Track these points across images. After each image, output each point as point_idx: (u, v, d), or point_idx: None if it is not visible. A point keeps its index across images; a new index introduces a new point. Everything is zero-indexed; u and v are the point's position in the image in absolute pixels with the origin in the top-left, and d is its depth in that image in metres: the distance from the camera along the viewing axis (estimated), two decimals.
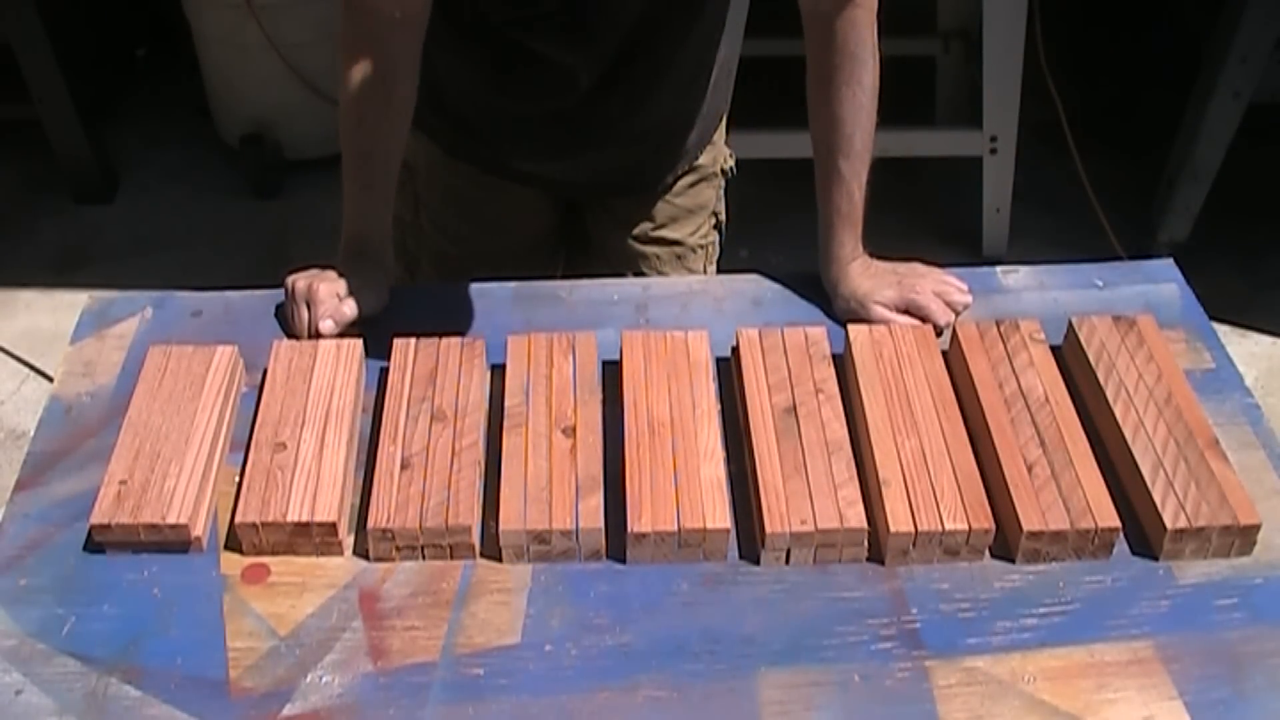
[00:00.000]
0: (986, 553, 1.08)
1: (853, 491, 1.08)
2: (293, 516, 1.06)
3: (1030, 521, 1.06)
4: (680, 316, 1.32)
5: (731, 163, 1.57)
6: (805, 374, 1.19)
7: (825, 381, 1.18)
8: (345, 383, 1.18)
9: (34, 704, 0.96)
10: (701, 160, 1.51)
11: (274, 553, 1.07)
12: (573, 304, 1.34)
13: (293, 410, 1.15)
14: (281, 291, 1.30)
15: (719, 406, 1.20)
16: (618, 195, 1.52)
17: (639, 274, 1.53)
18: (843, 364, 1.22)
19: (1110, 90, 3.16)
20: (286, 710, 0.96)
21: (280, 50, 2.81)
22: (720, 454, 1.12)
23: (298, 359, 1.20)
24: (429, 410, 1.15)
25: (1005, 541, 1.09)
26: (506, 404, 1.16)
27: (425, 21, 1.21)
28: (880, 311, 1.28)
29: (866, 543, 1.07)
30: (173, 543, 1.07)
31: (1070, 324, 1.25)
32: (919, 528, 1.05)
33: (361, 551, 1.08)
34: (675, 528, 1.05)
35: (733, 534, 1.08)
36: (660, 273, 1.54)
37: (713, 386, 1.19)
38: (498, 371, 1.22)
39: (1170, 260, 1.41)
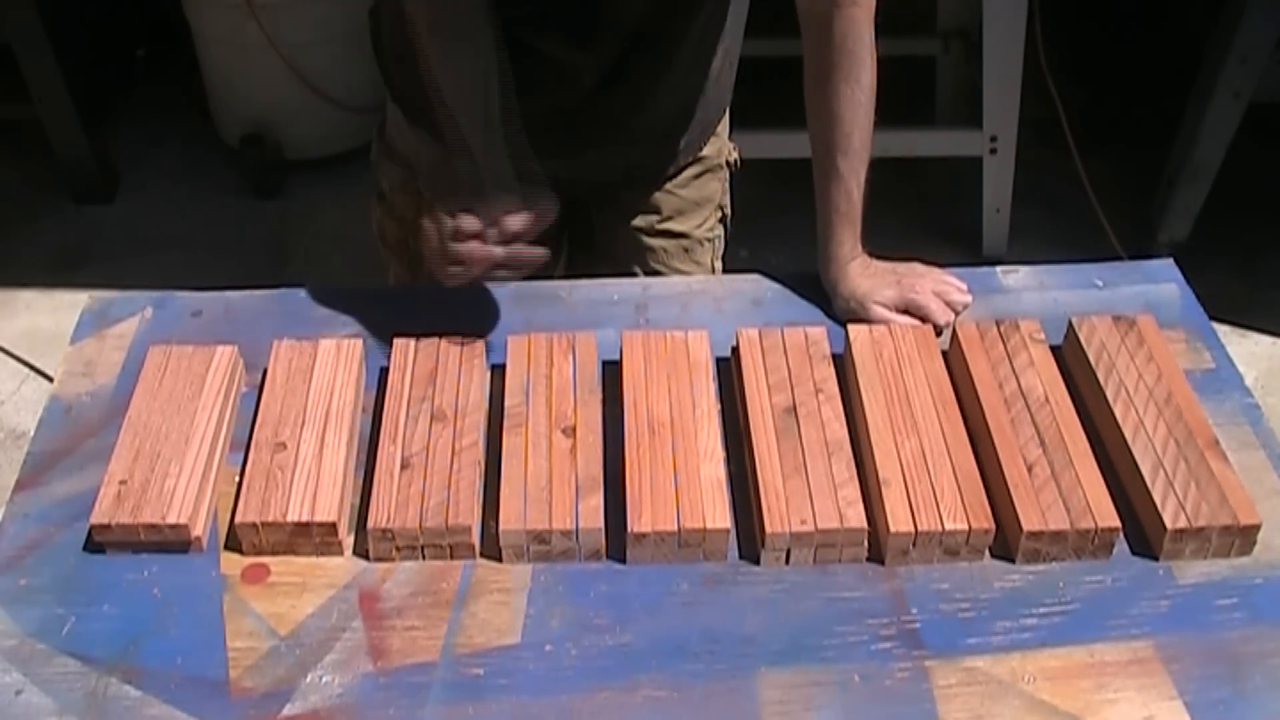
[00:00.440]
0: (986, 553, 1.08)
1: (853, 491, 1.08)
2: (293, 516, 1.06)
3: (1030, 521, 1.06)
4: (680, 316, 1.32)
5: (736, 155, 1.57)
6: (805, 374, 1.19)
7: (825, 381, 1.18)
8: (345, 383, 1.18)
9: (34, 704, 0.96)
10: (706, 152, 1.51)
11: (274, 553, 1.07)
12: (573, 304, 1.34)
13: (293, 410, 1.15)
14: (280, 292, 1.30)
15: (719, 406, 1.20)
16: (621, 190, 1.52)
17: (645, 268, 1.53)
18: (843, 364, 1.22)
19: (1110, 90, 3.16)
20: (286, 710, 0.96)
21: (280, 50, 2.81)
22: (720, 454, 1.12)
23: (298, 359, 1.20)
24: (429, 410, 1.15)
25: (1005, 541, 1.09)
26: (506, 404, 1.16)
27: None
28: (880, 311, 1.28)
29: (866, 543, 1.07)
30: (173, 543, 1.07)
31: (1070, 324, 1.25)
32: (919, 528, 1.05)
33: (361, 551, 1.08)
34: (675, 528, 1.05)
35: (733, 534, 1.08)
36: (667, 265, 1.54)
37: (713, 386, 1.19)
38: (498, 371, 1.22)
39: (1170, 260, 1.41)
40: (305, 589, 1.05)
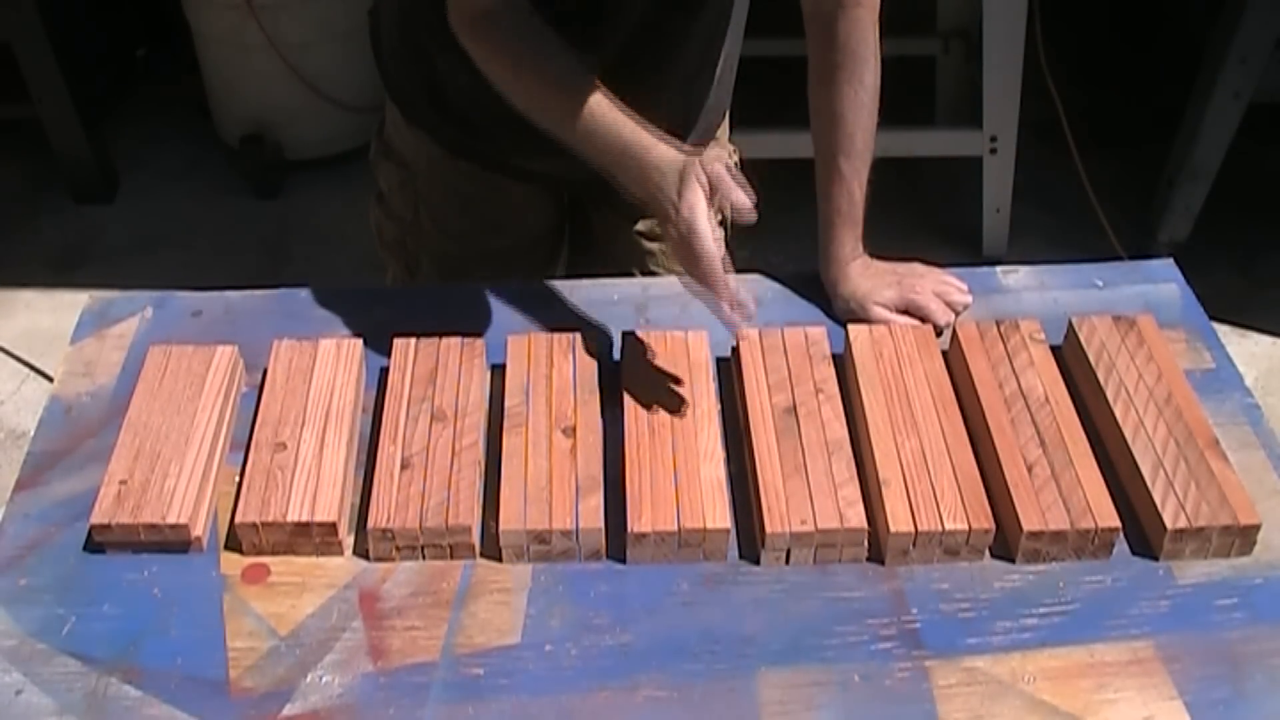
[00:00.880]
0: (986, 553, 1.08)
1: (853, 491, 1.08)
2: (293, 516, 1.06)
3: (1030, 521, 1.06)
4: (680, 316, 1.32)
5: (736, 159, 1.57)
6: (805, 374, 1.19)
7: (825, 381, 1.18)
8: (345, 383, 1.18)
9: (34, 704, 0.96)
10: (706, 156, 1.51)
11: (274, 553, 1.07)
12: (573, 304, 1.34)
13: (293, 410, 1.15)
14: (280, 292, 1.30)
15: (719, 406, 1.20)
16: (621, 192, 1.52)
17: (644, 270, 1.53)
18: (843, 364, 1.22)
19: (1110, 90, 3.15)
20: (286, 710, 0.96)
21: (280, 50, 2.81)
22: (720, 454, 1.12)
23: (298, 359, 1.20)
24: (429, 410, 1.15)
25: (1005, 541, 1.09)
26: (506, 404, 1.16)
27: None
28: (880, 312, 1.28)
29: (866, 543, 1.07)
30: (173, 543, 1.07)
31: (1070, 324, 1.25)
32: (919, 528, 1.05)
33: (361, 551, 1.08)
34: (675, 528, 1.05)
35: (733, 534, 1.08)
36: (668, 269, 1.54)
37: (713, 386, 1.19)
38: (498, 371, 1.22)
39: (1170, 260, 1.41)
40: (305, 589, 1.05)
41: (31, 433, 1.20)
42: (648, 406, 1.15)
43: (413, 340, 1.22)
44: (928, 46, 2.95)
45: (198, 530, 1.08)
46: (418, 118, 1.40)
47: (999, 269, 1.39)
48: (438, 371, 1.19)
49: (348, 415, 1.15)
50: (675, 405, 1.15)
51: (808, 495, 1.07)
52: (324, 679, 0.98)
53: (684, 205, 1.11)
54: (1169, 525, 1.06)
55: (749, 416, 1.15)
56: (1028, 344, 1.22)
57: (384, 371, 1.21)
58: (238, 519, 1.06)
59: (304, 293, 1.34)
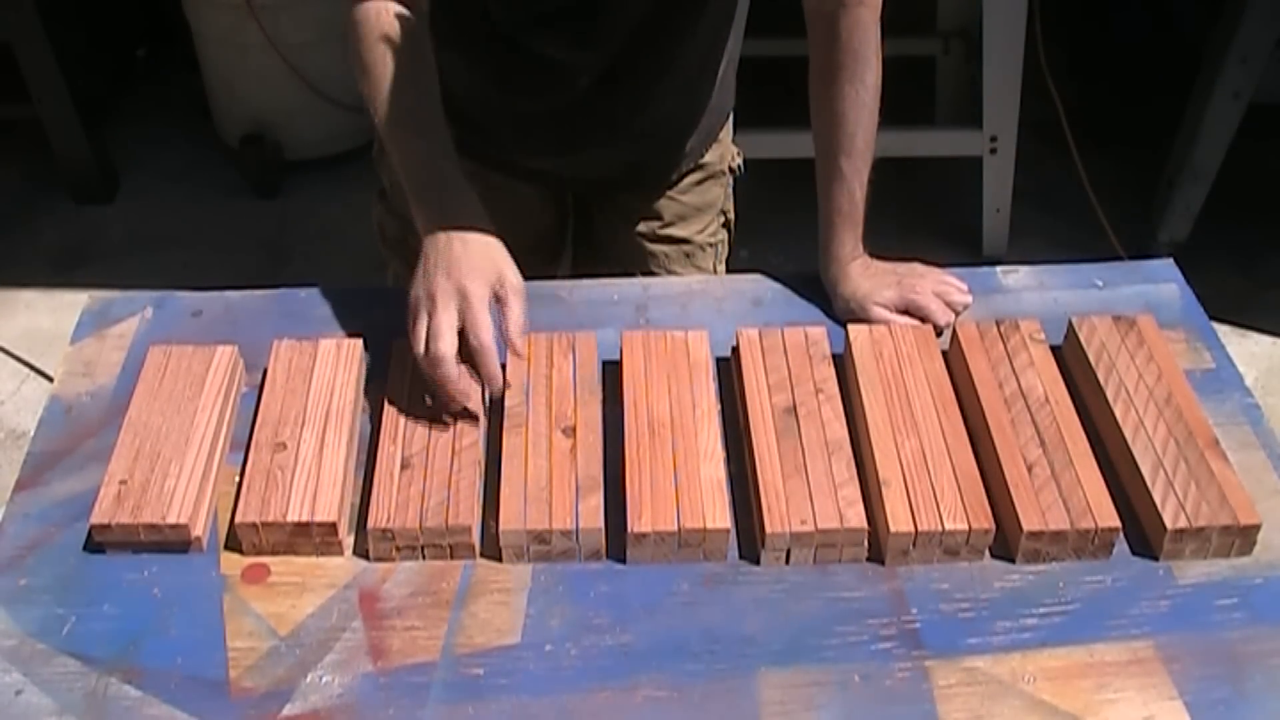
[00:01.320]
0: (986, 553, 1.08)
1: (853, 491, 1.08)
2: (293, 516, 1.06)
3: (1030, 521, 1.06)
4: (680, 316, 1.32)
5: (739, 161, 1.57)
6: (805, 374, 1.19)
7: (825, 381, 1.18)
8: (345, 383, 1.18)
9: (34, 704, 0.96)
10: (708, 158, 1.51)
11: (274, 553, 1.07)
12: (573, 304, 1.34)
13: (293, 410, 1.15)
14: (280, 292, 1.30)
15: (719, 406, 1.20)
16: (623, 192, 1.52)
17: (648, 272, 1.53)
18: (843, 364, 1.22)
19: (1110, 90, 3.16)
20: (286, 710, 0.96)
21: (280, 50, 2.81)
22: (720, 454, 1.12)
23: (298, 359, 1.20)
24: (429, 410, 1.15)
25: (1005, 541, 1.08)
26: (506, 404, 1.16)
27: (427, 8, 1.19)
28: (880, 312, 1.28)
29: (866, 543, 1.07)
30: (173, 543, 1.07)
31: (1070, 324, 1.25)
32: (919, 528, 1.05)
33: (361, 551, 1.08)
34: (675, 528, 1.05)
35: (733, 534, 1.08)
36: (670, 271, 1.54)
37: (713, 386, 1.19)
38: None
39: (1170, 260, 1.41)
40: (305, 589, 1.05)
41: (31, 433, 1.20)
42: (648, 406, 1.15)
43: None
44: (928, 46, 2.95)
45: (198, 530, 1.08)
46: None
47: (999, 269, 1.39)
48: None
49: (348, 415, 1.15)
50: (675, 405, 1.15)
51: (808, 495, 1.07)
52: (324, 679, 0.98)
53: (427, 321, 1.11)
54: (1169, 525, 1.06)
55: (749, 416, 1.15)
56: (1028, 344, 1.22)
57: (384, 371, 1.21)
58: (238, 519, 1.06)
59: (304, 293, 1.34)
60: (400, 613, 1.03)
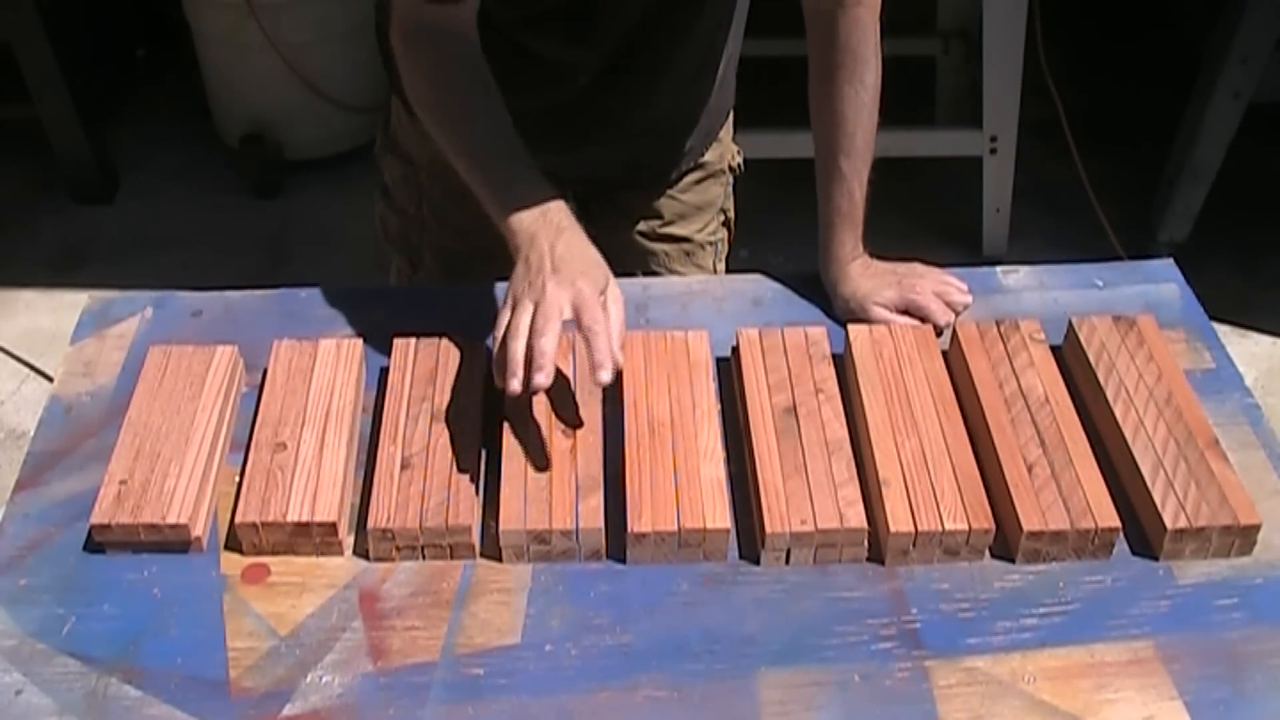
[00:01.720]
0: (986, 553, 1.08)
1: (853, 491, 1.08)
2: (293, 516, 1.06)
3: (1030, 521, 1.06)
4: (680, 316, 1.32)
5: (739, 160, 1.57)
6: (805, 374, 1.19)
7: (825, 381, 1.18)
8: (345, 383, 1.18)
9: (34, 704, 0.96)
10: (708, 157, 1.51)
11: (274, 553, 1.07)
12: None
13: (293, 410, 1.15)
14: (280, 292, 1.29)
15: (719, 406, 1.20)
16: (623, 190, 1.52)
17: (648, 271, 1.53)
18: (843, 364, 1.22)
19: (1110, 90, 3.16)
20: (286, 710, 0.96)
21: (280, 50, 2.81)
22: (720, 454, 1.12)
23: (298, 359, 1.20)
24: (429, 410, 1.15)
25: (1005, 541, 1.08)
26: (507, 404, 1.16)
27: (476, 30, 1.18)
28: (880, 312, 1.28)
29: (866, 543, 1.07)
30: (173, 543, 1.07)
31: (1070, 324, 1.25)
32: (919, 528, 1.05)
33: (361, 551, 1.08)
34: (675, 528, 1.05)
35: (733, 534, 1.08)
36: (670, 269, 1.54)
37: (713, 386, 1.19)
38: None
39: (1170, 260, 1.41)
40: (305, 589, 1.05)
41: (31, 433, 1.20)
42: (648, 407, 1.15)
43: (413, 340, 1.22)
44: (928, 46, 2.95)
45: (198, 530, 1.08)
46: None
47: (999, 269, 1.39)
48: (438, 371, 1.19)
49: (348, 415, 1.15)
50: (675, 405, 1.15)
51: (808, 495, 1.07)
52: (324, 679, 0.98)
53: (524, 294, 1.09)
54: (1169, 525, 1.06)
55: (749, 416, 1.15)
56: (1028, 344, 1.22)
57: (384, 371, 1.21)
58: (238, 519, 1.06)
59: (304, 293, 1.34)
60: (400, 613, 1.03)
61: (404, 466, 1.10)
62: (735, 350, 1.23)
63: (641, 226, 1.53)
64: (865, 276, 1.31)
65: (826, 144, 1.29)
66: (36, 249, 2.88)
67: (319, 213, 2.96)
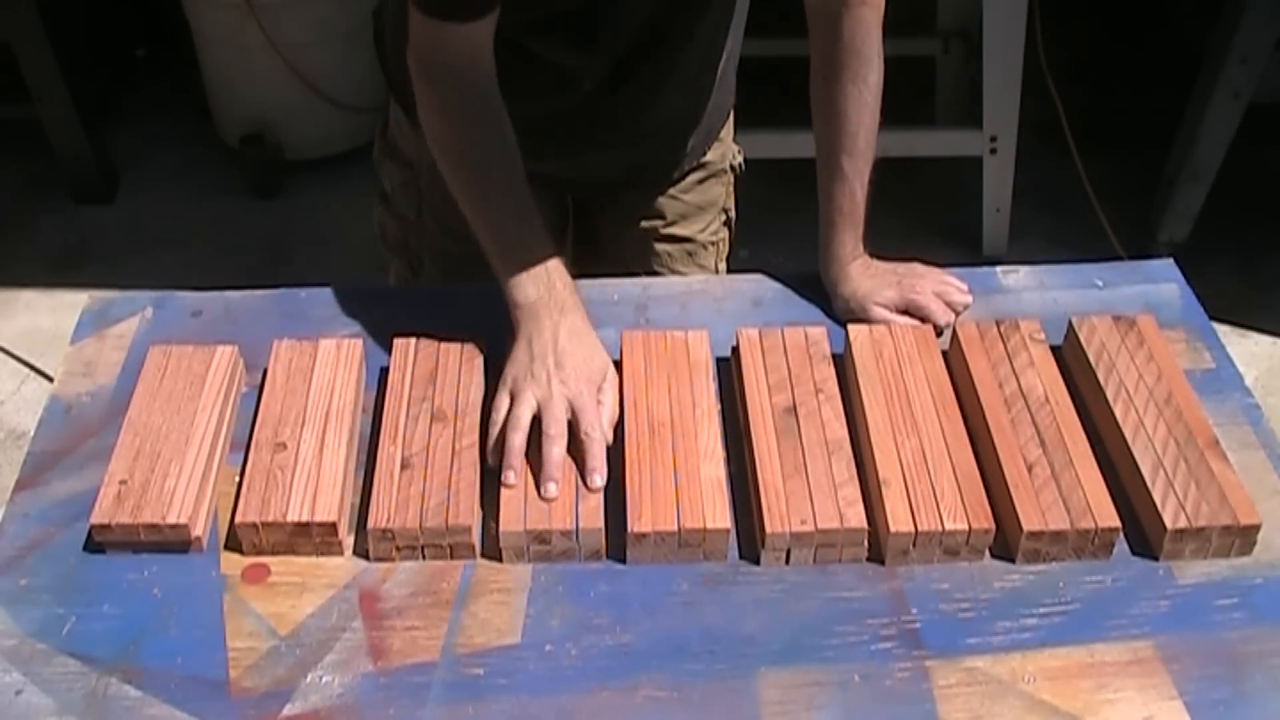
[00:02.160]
0: (986, 553, 1.08)
1: (853, 491, 1.08)
2: (293, 516, 1.06)
3: (1030, 521, 1.06)
4: (680, 316, 1.32)
5: (740, 159, 1.57)
6: (805, 374, 1.19)
7: (825, 381, 1.18)
8: (345, 383, 1.18)
9: (34, 704, 0.96)
10: (710, 157, 1.51)
11: (274, 553, 1.07)
12: None
13: (293, 410, 1.15)
14: (280, 292, 1.29)
15: (719, 406, 1.20)
16: (625, 191, 1.52)
17: (650, 271, 1.53)
18: (843, 364, 1.22)
19: (1110, 90, 3.16)
20: (286, 710, 0.96)
21: (280, 50, 2.81)
22: (720, 454, 1.12)
23: (298, 359, 1.20)
24: (429, 410, 1.15)
25: (1005, 541, 1.09)
26: None
27: (492, 55, 1.18)
28: (880, 312, 1.28)
29: (866, 543, 1.07)
30: (173, 543, 1.07)
31: (1070, 324, 1.25)
32: (919, 528, 1.05)
33: (361, 551, 1.08)
34: (675, 528, 1.05)
35: (733, 534, 1.08)
36: (672, 270, 1.55)
37: (713, 386, 1.19)
38: (498, 371, 1.21)
39: (1170, 260, 1.41)
40: (305, 589, 1.05)
41: (31, 433, 1.20)
42: (648, 407, 1.15)
43: (413, 340, 1.22)
44: (928, 46, 2.95)
45: (198, 530, 1.08)
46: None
47: (999, 269, 1.39)
48: (438, 371, 1.19)
49: (348, 415, 1.15)
50: (675, 405, 1.15)
51: (808, 495, 1.07)
52: (324, 679, 0.98)
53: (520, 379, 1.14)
54: (1169, 525, 1.06)
55: (749, 416, 1.15)
56: (1028, 344, 1.22)
57: (384, 371, 1.21)
58: (238, 519, 1.06)
59: (304, 293, 1.34)
60: (400, 613, 1.03)
61: (404, 466, 1.10)
62: (735, 350, 1.23)
63: (644, 227, 1.53)
64: (865, 276, 1.31)
65: (828, 143, 1.29)
66: (36, 249, 2.88)
67: (319, 213, 2.96)
